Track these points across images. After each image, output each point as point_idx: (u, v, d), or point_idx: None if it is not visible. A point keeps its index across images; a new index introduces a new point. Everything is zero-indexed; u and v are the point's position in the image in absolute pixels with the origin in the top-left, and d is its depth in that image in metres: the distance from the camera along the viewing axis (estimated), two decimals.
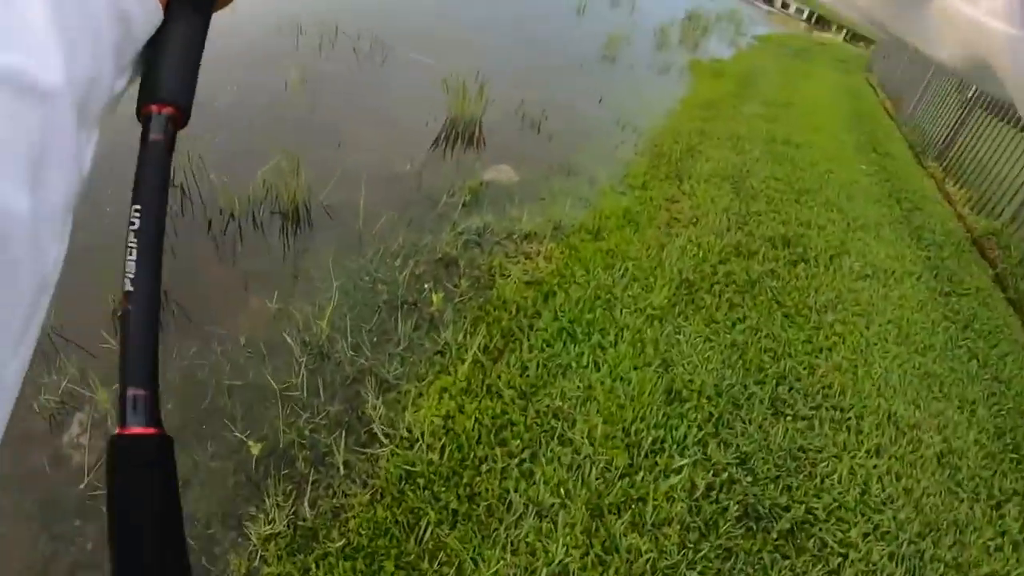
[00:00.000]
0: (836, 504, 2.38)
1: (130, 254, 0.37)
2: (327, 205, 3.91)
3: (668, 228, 4.16)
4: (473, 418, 2.39)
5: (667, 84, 6.97)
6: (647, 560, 2.00)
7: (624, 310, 3.15)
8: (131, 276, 0.37)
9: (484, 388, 2.56)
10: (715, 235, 4.14)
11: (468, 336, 2.86)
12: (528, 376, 2.64)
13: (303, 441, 2.33)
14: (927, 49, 0.38)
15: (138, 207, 0.38)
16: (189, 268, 3.36)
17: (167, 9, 0.42)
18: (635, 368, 2.79)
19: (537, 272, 3.41)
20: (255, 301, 3.14)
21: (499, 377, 2.61)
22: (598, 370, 2.74)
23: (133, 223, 0.38)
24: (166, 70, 0.42)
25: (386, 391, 2.60)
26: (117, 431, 0.35)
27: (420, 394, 2.55)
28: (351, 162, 4.45)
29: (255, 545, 1.90)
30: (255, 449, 2.24)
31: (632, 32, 7.63)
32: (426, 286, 3.27)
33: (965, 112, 7.07)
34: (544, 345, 2.83)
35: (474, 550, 1.93)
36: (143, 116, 0.40)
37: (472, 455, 2.24)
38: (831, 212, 4.91)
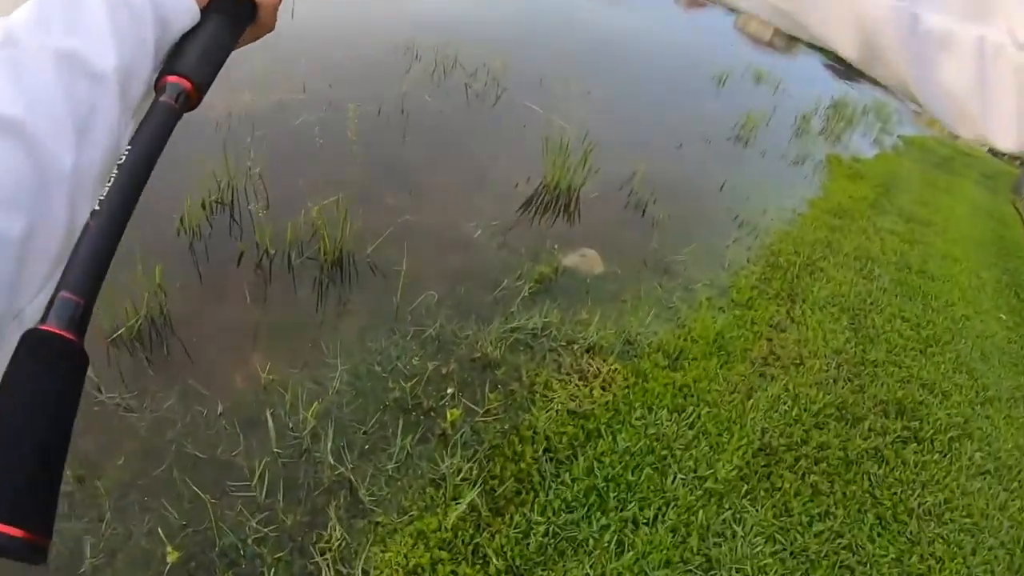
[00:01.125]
0: None
1: (108, 181, 0.41)
2: (372, 262, 3.61)
3: (764, 366, 3.63)
4: None
5: (799, 179, 6.36)
6: None
7: (679, 476, 2.67)
8: (101, 198, 0.40)
9: (470, 548, 2.13)
10: (818, 386, 3.58)
11: (476, 470, 2.47)
12: (529, 546, 2.20)
13: (239, 553, 2.01)
14: (828, 40, 0.37)
15: (130, 147, 0.42)
16: (205, 300, 3.13)
17: (204, 12, 0.51)
18: (667, 563, 2.32)
19: (587, 401, 2.97)
20: (255, 361, 2.86)
21: (493, 537, 2.19)
22: (619, 556, 2.27)
23: (121, 159, 0.42)
24: (189, 50, 0.49)
25: (355, 515, 2.20)
26: (36, 326, 0.34)
27: (393, 531, 2.16)
28: (417, 215, 4.15)
29: None
30: (172, 556, 1.94)
31: (771, 113, 7.04)
32: (449, 391, 2.87)
33: None
34: (563, 506, 2.38)
35: None
36: (159, 85, 0.47)
37: None
38: (960, 375, 4.21)
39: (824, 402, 3.43)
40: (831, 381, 3.66)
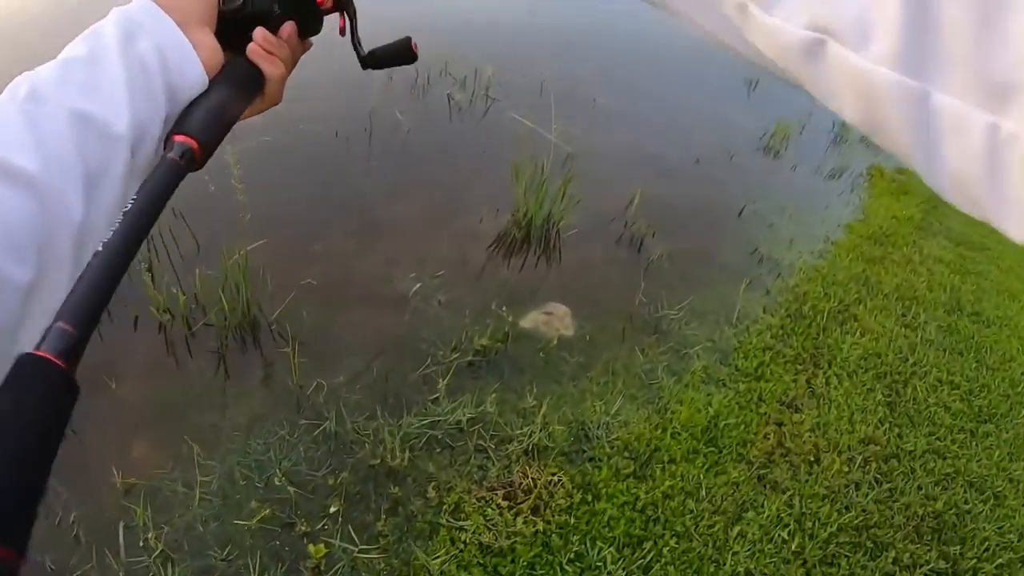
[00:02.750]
0: None
1: (112, 226, 0.42)
2: (281, 329, 3.07)
3: (766, 467, 2.93)
4: None
5: (834, 196, 5.52)
6: None
7: None
8: (105, 241, 0.41)
9: None
10: (833, 498, 2.86)
11: None
12: None
13: None
14: (831, 105, 0.37)
15: (135, 197, 0.44)
16: (92, 374, 2.66)
17: (213, 81, 0.56)
18: None
19: (507, 531, 2.33)
20: (131, 453, 2.43)
21: None
22: None
23: (126, 207, 0.44)
24: (198, 113, 0.53)
25: None
26: (29, 351, 0.35)
27: None
28: (358, 263, 3.56)
29: None
30: None
31: (806, 120, 6.19)
32: (332, 509, 2.32)
33: None
34: None
35: None
36: (167, 144, 0.51)
37: None
38: (1018, 464, 3.42)
39: (839, 523, 2.72)
40: (852, 488, 2.94)
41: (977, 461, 3.31)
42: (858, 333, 4.01)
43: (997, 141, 0.30)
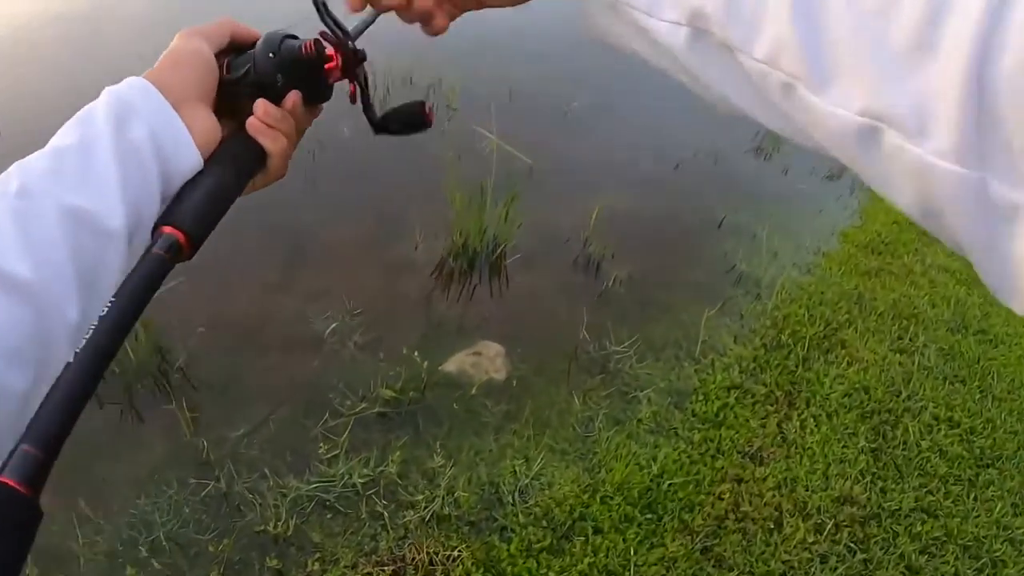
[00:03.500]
0: None
1: (86, 333, 0.40)
2: (189, 376, 2.80)
3: (713, 539, 2.52)
4: None
5: (831, 201, 5.03)
6: None
7: None
8: (77, 350, 0.40)
9: None
10: None
11: None
12: None
13: None
14: (884, 191, 0.37)
15: (113, 299, 0.42)
16: None
17: (208, 162, 0.54)
18: None
19: None
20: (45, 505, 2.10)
21: None
22: None
23: (103, 310, 0.42)
24: (187, 201, 0.51)
25: None
26: None
27: None
28: (278, 299, 3.23)
29: None
30: None
31: None
32: None
33: None
34: None
35: None
36: (154, 234, 0.49)
37: None
38: (1021, 519, 2.95)
39: None
40: (817, 562, 2.51)
41: (974, 518, 2.86)
42: (845, 363, 3.56)
43: None
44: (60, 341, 0.43)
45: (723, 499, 2.68)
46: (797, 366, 3.46)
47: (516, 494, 2.53)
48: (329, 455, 2.60)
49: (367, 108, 0.66)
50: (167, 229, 0.49)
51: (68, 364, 0.39)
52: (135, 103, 0.51)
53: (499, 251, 3.65)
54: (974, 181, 0.31)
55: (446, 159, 4.09)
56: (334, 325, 3.15)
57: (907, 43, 0.33)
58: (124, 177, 0.48)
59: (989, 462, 3.15)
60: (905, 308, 4.13)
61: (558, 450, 2.74)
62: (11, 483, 0.34)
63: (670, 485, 2.65)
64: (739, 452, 2.89)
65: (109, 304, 0.42)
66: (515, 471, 2.61)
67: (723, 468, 2.80)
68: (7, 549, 0.32)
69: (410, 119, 0.66)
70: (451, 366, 3.04)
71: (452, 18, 0.62)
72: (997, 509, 2.91)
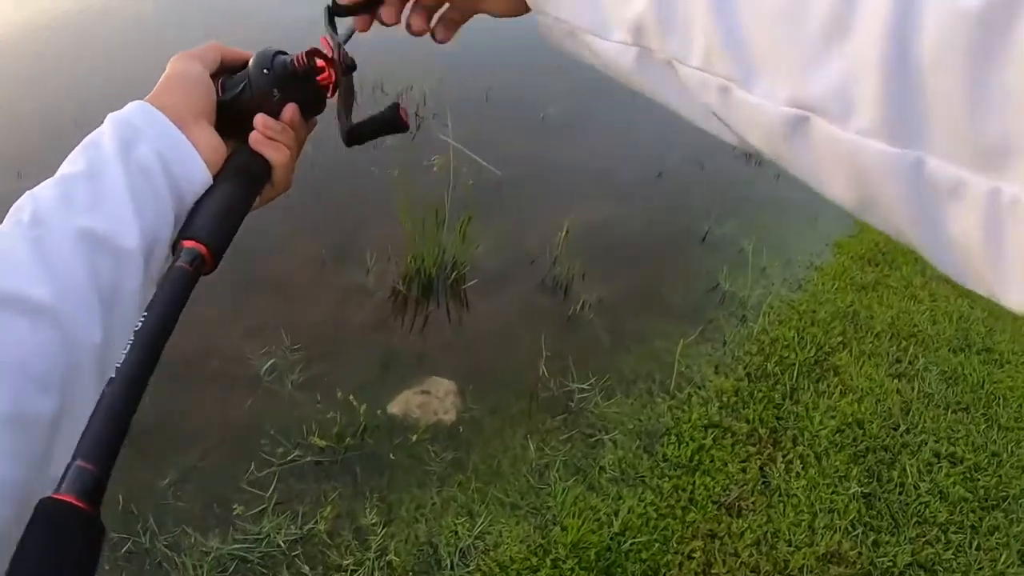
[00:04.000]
0: None
1: (124, 348, 0.41)
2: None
3: None
4: None
5: (824, 208, 4.69)
6: None
7: None
8: (118, 365, 0.40)
9: None
10: None
11: None
12: None
13: None
14: (819, 186, 0.37)
15: (146, 313, 0.44)
16: None
17: (217, 177, 0.56)
18: None
19: None
20: None
21: None
22: None
23: (137, 325, 0.43)
24: (204, 215, 0.53)
25: None
26: (51, 495, 0.34)
27: None
28: (220, 332, 2.98)
29: None
30: None
31: None
32: None
33: None
34: None
35: None
36: (175, 249, 0.51)
37: None
38: None
39: None
40: None
41: (977, 571, 2.55)
42: (837, 392, 3.26)
43: (999, 206, 0.28)
44: (85, 363, 0.44)
45: (693, 558, 2.39)
46: (784, 398, 3.16)
47: (456, 556, 2.25)
48: (255, 510, 2.35)
49: (343, 118, 0.64)
50: (188, 243, 0.50)
51: (111, 379, 0.40)
52: (139, 125, 0.52)
53: (456, 275, 3.37)
54: (909, 160, 0.30)
55: (408, 173, 3.81)
56: (272, 361, 2.89)
57: (823, 26, 0.32)
58: (135, 197, 0.49)
59: (994, 503, 2.84)
60: (904, 326, 3.81)
61: (508, 504, 2.45)
62: (71, 500, 0.34)
63: (632, 544, 2.36)
64: (714, 502, 2.60)
65: (143, 319, 0.43)
66: (457, 530, 2.33)
67: (695, 522, 2.50)
68: (75, 567, 0.32)
69: (383, 124, 0.64)
70: (396, 407, 2.76)
71: (456, 25, 0.62)
72: (1002, 559, 2.61)
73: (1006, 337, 3.86)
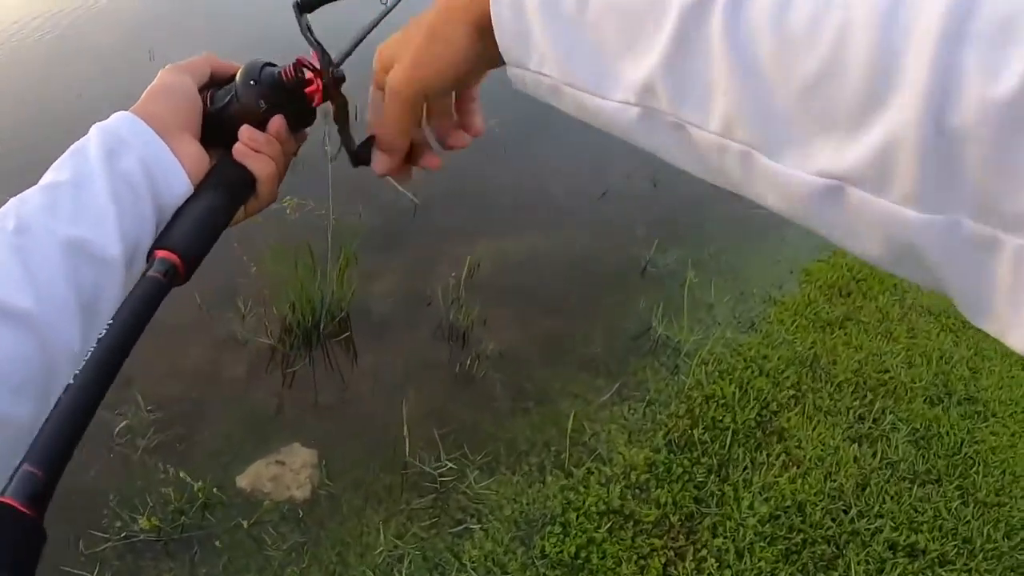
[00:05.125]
0: None
1: (85, 355, 0.41)
2: None
3: None
4: None
5: (793, 227, 4.15)
6: None
7: None
8: (76, 372, 0.40)
9: None
10: None
11: None
12: None
13: None
14: (851, 247, 0.37)
15: (111, 321, 0.43)
16: None
17: (199, 187, 0.56)
18: None
19: None
20: None
21: None
22: None
23: (101, 333, 0.42)
24: (181, 225, 0.53)
25: None
26: None
27: None
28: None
29: None
30: None
31: None
32: None
33: None
34: None
35: None
36: (149, 258, 0.51)
37: None
38: None
39: None
40: None
41: None
42: (779, 466, 2.72)
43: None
44: (63, 372, 0.43)
45: None
46: (710, 474, 2.63)
47: None
48: None
49: (344, 136, 0.61)
50: (162, 253, 0.50)
51: (68, 386, 0.39)
52: (124, 135, 0.53)
53: (332, 325, 2.91)
54: (945, 223, 0.32)
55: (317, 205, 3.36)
56: (126, 423, 2.49)
57: (859, 99, 0.33)
58: (119, 207, 0.50)
59: None
60: (873, 372, 3.25)
61: None
62: (14, 503, 0.34)
63: None
64: None
65: (107, 326, 0.43)
66: None
67: None
68: (12, 569, 0.32)
69: None
70: (246, 480, 2.36)
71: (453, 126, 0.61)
72: None
73: (992, 382, 3.27)
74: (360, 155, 0.61)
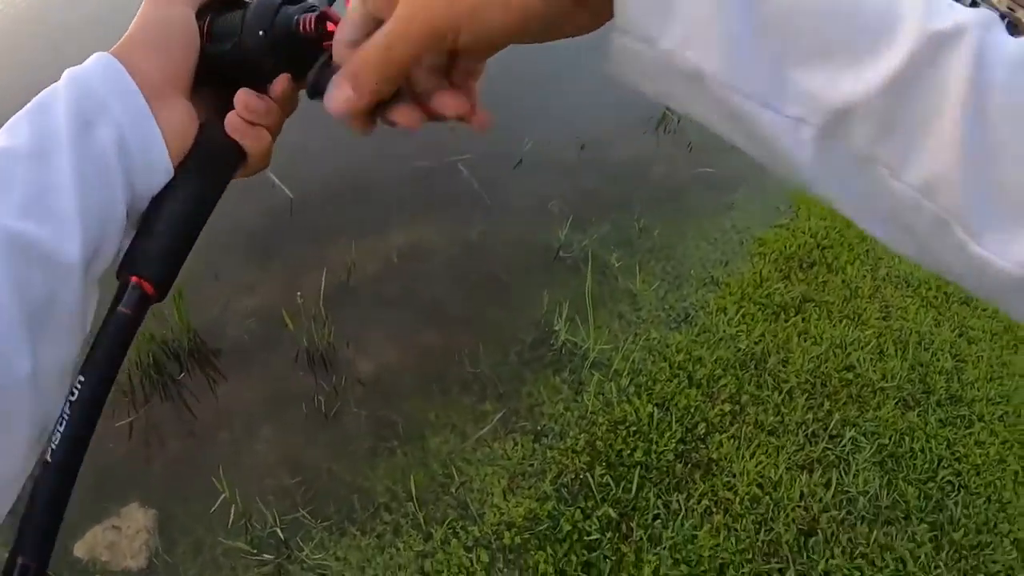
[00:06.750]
0: None
1: (59, 423, 0.36)
2: None
3: None
4: None
5: (750, 187, 3.51)
6: None
7: None
8: (54, 446, 0.36)
9: None
10: None
11: None
12: None
13: None
14: (861, 222, 0.35)
15: (82, 378, 0.37)
16: None
17: (178, 170, 0.43)
18: None
19: None
20: None
21: None
22: None
23: (73, 393, 0.37)
24: (157, 244, 0.42)
25: None
26: None
27: None
28: None
29: None
30: None
31: None
32: None
33: None
34: None
35: None
36: (121, 281, 0.41)
37: None
38: None
39: None
40: None
41: None
42: (699, 513, 2.16)
43: None
44: (13, 401, 0.34)
45: None
46: (607, 530, 2.07)
47: None
48: None
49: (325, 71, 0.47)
50: (134, 279, 0.41)
51: (46, 463, 0.35)
52: (103, 96, 0.40)
53: (178, 359, 2.38)
54: (981, 262, 0.31)
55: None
56: None
57: None
58: (84, 196, 0.38)
59: None
60: (834, 372, 2.65)
61: None
62: None
63: None
64: None
65: (79, 386, 0.37)
66: None
67: None
68: None
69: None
70: (83, 548, 1.98)
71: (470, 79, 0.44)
72: None
73: (979, 373, 2.66)
74: (318, 84, 0.44)
